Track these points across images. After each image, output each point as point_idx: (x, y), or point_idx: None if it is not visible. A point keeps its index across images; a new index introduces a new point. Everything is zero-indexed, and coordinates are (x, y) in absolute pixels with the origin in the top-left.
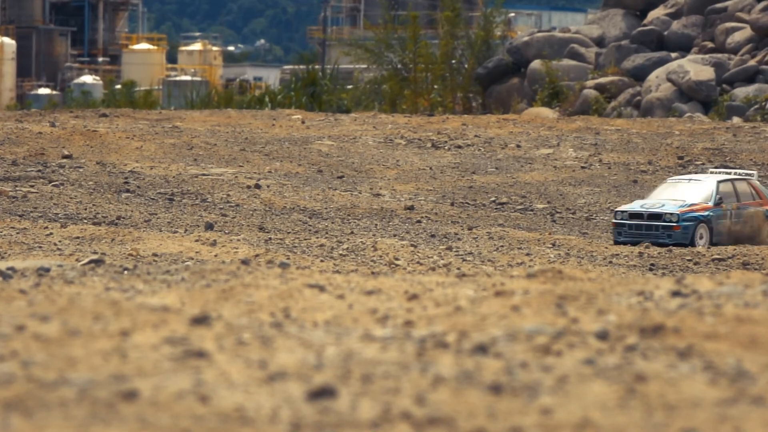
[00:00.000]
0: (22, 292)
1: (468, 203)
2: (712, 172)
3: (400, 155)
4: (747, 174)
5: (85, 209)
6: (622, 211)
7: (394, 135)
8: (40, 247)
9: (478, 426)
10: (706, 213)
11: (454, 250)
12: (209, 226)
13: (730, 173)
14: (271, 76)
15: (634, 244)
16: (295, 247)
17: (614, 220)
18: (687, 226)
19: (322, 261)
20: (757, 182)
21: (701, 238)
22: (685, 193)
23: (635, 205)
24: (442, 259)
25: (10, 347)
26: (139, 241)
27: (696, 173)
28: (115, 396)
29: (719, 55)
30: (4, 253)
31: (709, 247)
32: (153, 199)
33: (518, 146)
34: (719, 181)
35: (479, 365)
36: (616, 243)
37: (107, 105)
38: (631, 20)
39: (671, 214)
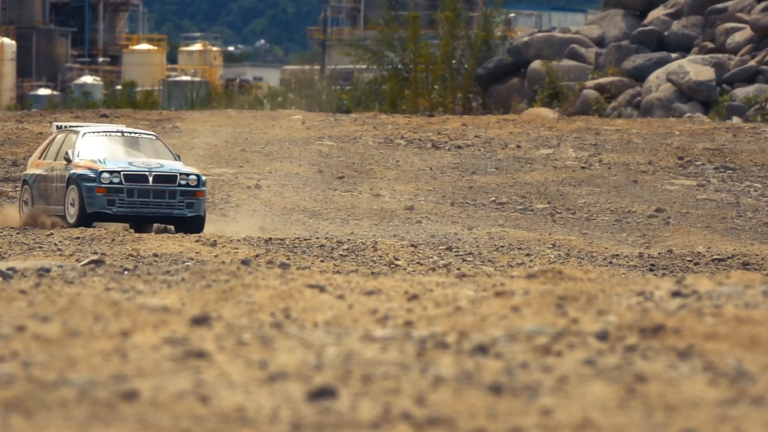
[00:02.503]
0: (22, 292)
1: (468, 203)
2: (56, 125)
3: (400, 155)
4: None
5: None
6: (111, 172)
7: (394, 135)
8: (41, 247)
9: (478, 426)
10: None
11: (454, 250)
12: None
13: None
14: (272, 77)
15: (134, 219)
16: (296, 247)
17: (101, 185)
18: (204, 192)
19: (322, 261)
20: None
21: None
22: (137, 149)
23: (119, 163)
24: (442, 260)
25: (10, 348)
26: (139, 241)
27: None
28: (115, 396)
29: (719, 56)
30: (5, 253)
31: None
32: None
33: (518, 146)
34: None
35: (479, 365)
36: (93, 218)
37: (108, 105)
38: (631, 20)
39: (188, 175)
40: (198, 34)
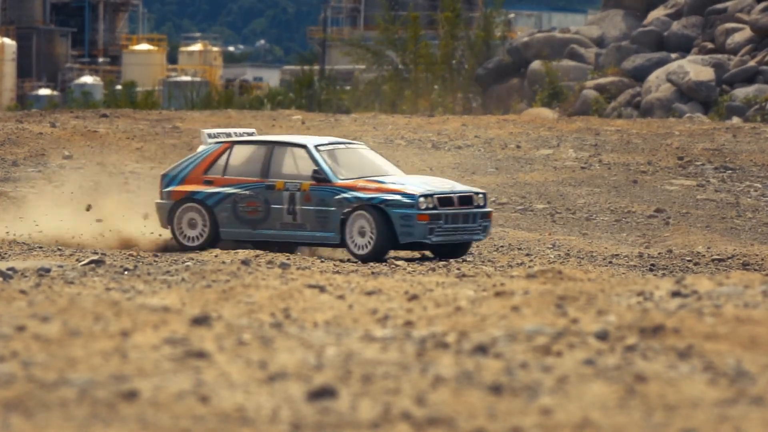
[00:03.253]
0: (22, 292)
1: None
2: (207, 133)
3: (400, 156)
4: (247, 133)
5: None
6: (426, 195)
7: (394, 136)
8: (41, 247)
9: (478, 426)
10: None
11: None
12: None
13: (230, 134)
14: (272, 77)
15: (441, 247)
16: None
17: (420, 211)
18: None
19: (322, 261)
20: None
21: None
22: (377, 161)
23: (415, 184)
24: (442, 260)
25: (10, 347)
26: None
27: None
28: (115, 396)
29: (719, 56)
30: (5, 253)
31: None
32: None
33: (518, 147)
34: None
35: (479, 365)
36: (399, 248)
37: (108, 105)
38: (631, 21)
39: (477, 194)
40: (198, 34)
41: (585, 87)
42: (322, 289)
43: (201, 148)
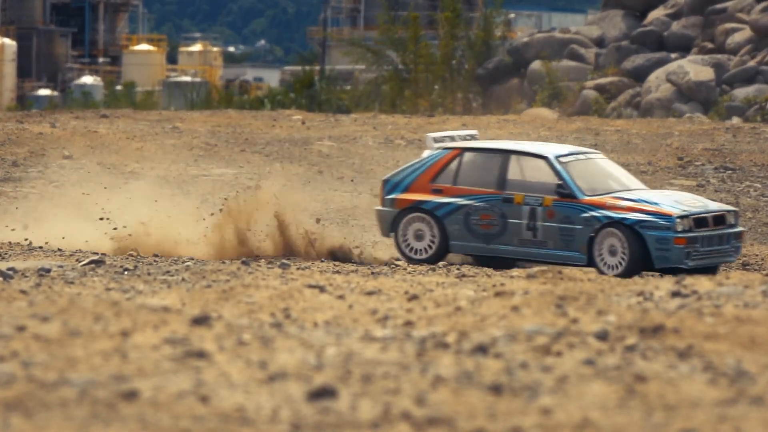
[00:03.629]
0: (22, 292)
1: None
2: (432, 136)
3: (400, 156)
4: (470, 136)
5: None
6: (683, 217)
7: (394, 136)
8: (41, 247)
9: (478, 426)
10: None
11: None
12: None
13: (453, 137)
14: (272, 77)
15: (701, 270)
16: None
17: (677, 234)
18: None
19: (322, 261)
20: None
21: None
22: (617, 173)
23: (667, 203)
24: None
25: (10, 347)
26: None
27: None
28: (115, 396)
29: (719, 56)
30: (5, 253)
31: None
32: (153, 199)
33: None
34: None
35: (479, 365)
36: (675, 268)
37: (108, 106)
38: (631, 21)
39: (729, 212)
40: (198, 35)
41: (585, 87)
42: (322, 289)
43: (426, 153)
